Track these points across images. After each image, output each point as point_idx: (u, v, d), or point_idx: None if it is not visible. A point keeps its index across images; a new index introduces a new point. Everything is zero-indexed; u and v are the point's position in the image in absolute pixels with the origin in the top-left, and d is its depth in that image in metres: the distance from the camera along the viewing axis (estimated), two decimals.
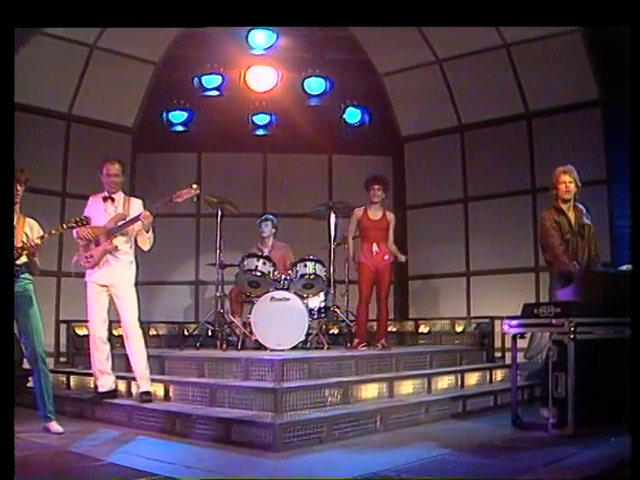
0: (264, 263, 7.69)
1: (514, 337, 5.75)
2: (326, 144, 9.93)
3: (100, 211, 6.15)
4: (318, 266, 7.71)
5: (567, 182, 6.24)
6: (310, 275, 7.65)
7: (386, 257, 7.39)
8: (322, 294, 7.98)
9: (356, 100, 9.75)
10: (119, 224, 6.07)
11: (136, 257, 6.31)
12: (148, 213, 6.02)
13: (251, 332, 7.36)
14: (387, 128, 10.30)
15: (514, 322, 5.68)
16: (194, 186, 6.11)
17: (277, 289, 7.54)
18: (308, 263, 7.69)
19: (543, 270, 8.46)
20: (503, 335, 8.05)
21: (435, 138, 10.14)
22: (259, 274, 7.63)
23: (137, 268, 6.26)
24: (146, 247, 6.23)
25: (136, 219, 6.03)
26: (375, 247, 7.38)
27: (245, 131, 9.67)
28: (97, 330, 6.09)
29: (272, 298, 7.37)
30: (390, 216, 7.53)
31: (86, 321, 6.26)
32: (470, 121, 9.83)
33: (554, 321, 5.33)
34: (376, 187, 7.44)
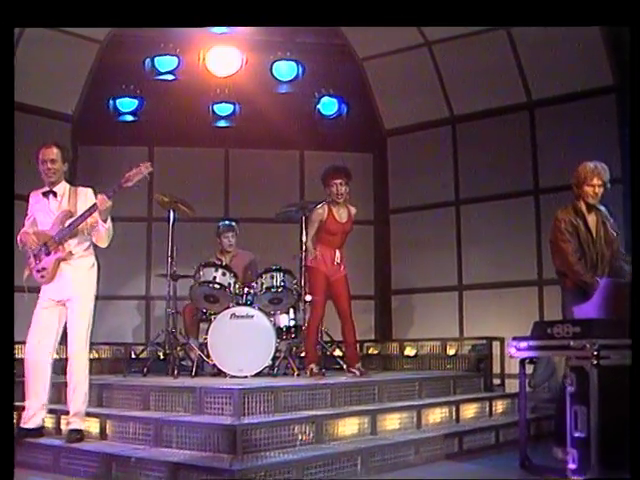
0: (224, 274, 7.49)
1: (522, 362, 5.41)
2: (298, 138, 9.74)
3: (44, 210, 5.69)
4: (287, 277, 7.51)
5: (597, 185, 5.95)
6: (278, 288, 7.46)
7: (342, 268, 7.24)
8: (292, 310, 7.81)
9: (332, 88, 9.62)
10: (68, 223, 5.59)
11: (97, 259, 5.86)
12: (105, 197, 5.51)
13: (208, 355, 7.17)
14: (367, 120, 10.13)
15: (523, 344, 5.32)
16: (144, 163, 5.63)
17: (239, 304, 7.38)
18: (275, 274, 7.49)
19: (547, 283, 8.47)
20: (502, 359, 8.09)
21: (423, 132, 9.94)
22: (218, 287, 7.42)
23: (99, 272, 5.82)
24: (105, 243, 5.76)
25: (92, 210, 5.53)
26: (338, 256, 7.22)
27: (204, 122, 9.51)
28: (43, 355, 5.57)
29: (233, 315, 7.21)
30: (353, 213, 7.37)
31: (22, 343, 5.74)
32: (463, 112, 9.61)
33: (572, 343, 4.95)
34: (338, 182, 7.17)
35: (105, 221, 5.60)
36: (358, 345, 8.82)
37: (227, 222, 8.46)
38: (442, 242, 9.69)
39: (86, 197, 5.67)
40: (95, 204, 5.53)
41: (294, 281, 7.54)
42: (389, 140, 10.29)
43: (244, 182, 9.88)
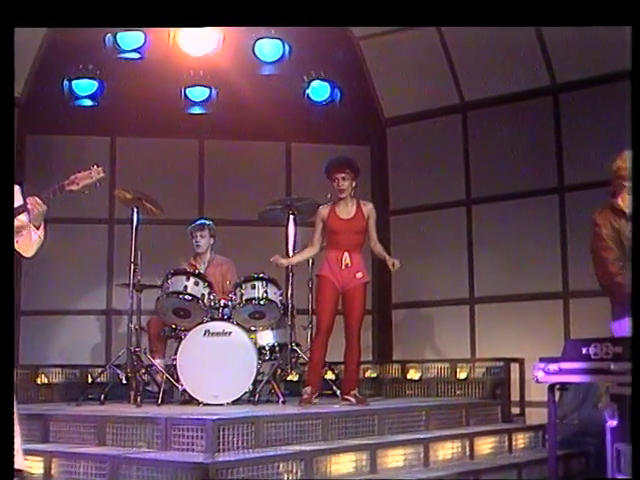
0: (196, 283, 7.38)
1: (552, 388, 5.17)
2: (284, 128, 9.69)
3: None
4: (271, 288, 7.42)
5: None
6: (260, 300, 7.35)
7: (359, 274, 7.05)
8: (276, 326, 7.75)
9: (324, 71, 9.53)
10: None
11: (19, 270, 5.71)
12: (37, 199, 5.18)
13: (177, 379, 7.11)
14: (364, 108, 10.13)
15: (553, 366, 5.04)
16: (96, 167, 5.41)
17: (214, 319, 7.31)
18: (257, 284, 7.40)
19: (575, 296, 8.55)
20: (522, 384, 8.07)
21: (428, 121, 9.89)
22: (189, 298, 7.29)
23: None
24: (30, 251, 5.38)
25: (21, 209, 5.19)
26: (347, 258, 7.03)
27: (175, 109, 9.38)
28: None
29: (207, 332, 7.17)
30: (367, 210, 7.20)
31: None
32: (476, 98, 9.52)
33: (614, 366, 4.70)
34: (340, 176, 7.08)
35: (38, 227, 5.31)
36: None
37: (199, 221, 8.36)
38: (451, 248, 9.65)
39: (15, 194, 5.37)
40: (22, 205, 5.21)
41: (279, 292, 7.46)
42: (389, 131, 10.25)
43: (221, 178, 9.85)
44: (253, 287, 7.37)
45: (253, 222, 8.73)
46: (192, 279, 7.36)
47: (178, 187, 9.62)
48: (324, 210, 7.17)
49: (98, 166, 5.48)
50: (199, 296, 7.31)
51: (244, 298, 7.33)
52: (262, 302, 7.34)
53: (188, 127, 9.66)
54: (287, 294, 7.71)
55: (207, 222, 8.32)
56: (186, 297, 7.28)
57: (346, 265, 6.99)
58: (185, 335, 7.19)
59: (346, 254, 7.00)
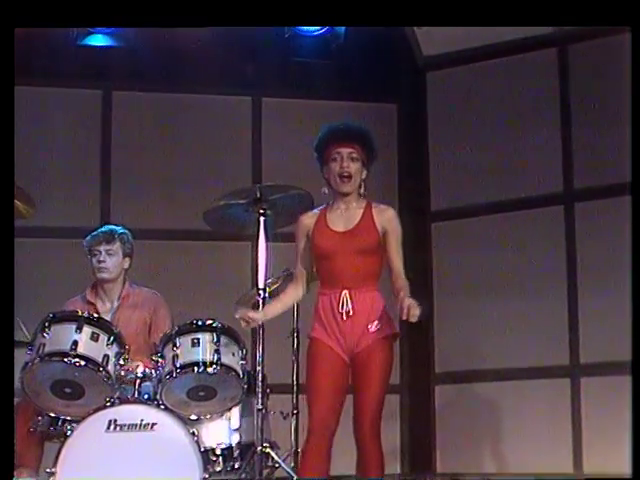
0: (94, 337, 6.98)
1: None
2: (250, 73, 10.06)
3: None
4: (227, 345, 7.10)
5: None
6: (207, 366, 6.96)
7: (373, 325, 6.38)
8: (237, 412, 7.41)
9: None
10: None
11: None
12: None
13: None
14: (388, 41, 10.18)
15: None
16: None
17: (125, 401, 6.91)
18: (203, 338, 7.10)
19: None
20: None
21: (496, 61, 10.10)
22: (80, 363, 6.82)
23: None
24: None
25: None
26: (346, 300, 6.41)
27: (63, 39, 9.47)
28: None
29: (113, 424, 6.73)
30: (383, 219, 6.53)
31: None
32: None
33: None
34: (346, 152, 6.46)
35: None
36: None
37: (104, 228, 8.05)
38: (536, 276, 9.59)
39: None
40: None
41: (241, 353, 7.12)
42: (429, 77, 10.47)
43: (141, 156, 10.02)
44: (195, 343, 7.03)
45: (195, 232, 8.79)
46: (87, 329, 6.90)
47: (67, 170, 9.75)
48: (309, 219, 6.60)
49: None
50: (99, 360, 6.88)
51: (179, 363, 6.91)
52: (211, 370, 6.94)
53: (84, 69, 9.82)
54: (255, 356, 7.25)
55: (118, 230, 7.94)
56: (76, 362, 6.79)
57: (347, 313, 6.40)
58: (73, 430, 6.69)
59: (345, 294, 6.41)
